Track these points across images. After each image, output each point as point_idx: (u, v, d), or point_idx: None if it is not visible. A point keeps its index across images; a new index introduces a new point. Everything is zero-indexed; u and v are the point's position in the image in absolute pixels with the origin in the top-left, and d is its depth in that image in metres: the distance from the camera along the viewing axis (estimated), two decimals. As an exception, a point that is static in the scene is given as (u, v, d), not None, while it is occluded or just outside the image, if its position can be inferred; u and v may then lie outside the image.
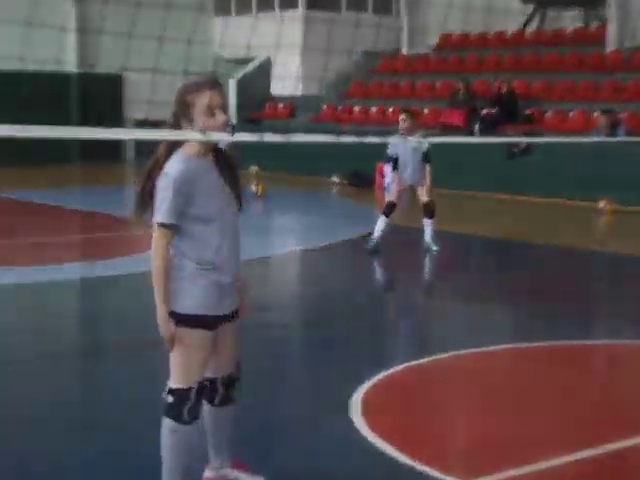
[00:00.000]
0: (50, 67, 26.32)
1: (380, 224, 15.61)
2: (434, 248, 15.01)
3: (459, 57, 28.95)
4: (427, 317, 12.37)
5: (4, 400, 8.44)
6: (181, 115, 5.98)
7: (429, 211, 15.38)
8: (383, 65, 30.87)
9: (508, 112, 24.63)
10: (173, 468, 6.10)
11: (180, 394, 5.96)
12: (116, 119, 28.72)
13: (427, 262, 15.34)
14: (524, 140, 21.82)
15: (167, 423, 5.97)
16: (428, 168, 15.52)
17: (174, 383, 5.95)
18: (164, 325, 5.85)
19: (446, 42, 30.27)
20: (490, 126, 24.20)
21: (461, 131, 24.02)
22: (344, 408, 7.87)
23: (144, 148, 31.72)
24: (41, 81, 27.10)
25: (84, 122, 26.85)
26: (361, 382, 8.30)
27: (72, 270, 14.33)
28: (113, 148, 30.96)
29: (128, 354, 10.20)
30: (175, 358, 5.96)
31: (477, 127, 24.44)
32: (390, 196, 15.96)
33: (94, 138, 6.93)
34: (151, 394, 6.73)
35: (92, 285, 13.70)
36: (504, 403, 8.32)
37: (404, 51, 31.29)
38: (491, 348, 10.09)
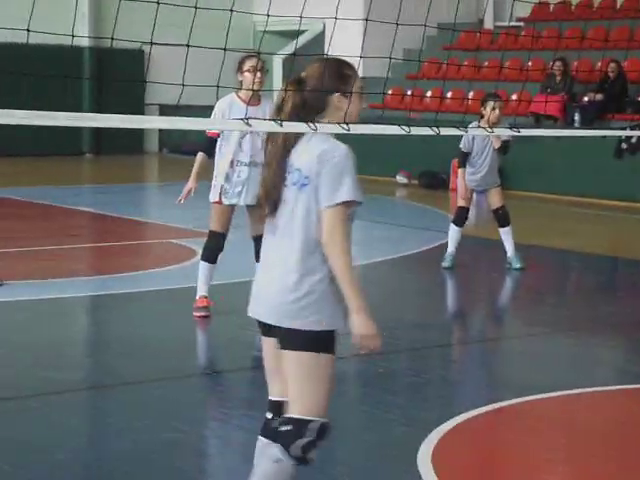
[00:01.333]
0: (59, 40, 26.67)
1: (452, 234, 15.96)
2: (518, 266, 14.93)
3: (556, 31, 28.71)
4: (508, 352, 12.40)
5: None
6: (339, 90, 5.91)
7: (503, 219, 15.45)
8: (462, 41, 30.78)
9: (617, 99, 24.50)
10: None
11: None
12: (137, 103, 29.02)
13: (508, 285, 15.24)
14: (637, 134, 21.78)
15: (284, 456, 6.17)
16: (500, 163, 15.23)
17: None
18: (368, 324, 5.76)
19: (540, 13, 30.21)
20: (594, 116, 24.12)
21: (558, 122, 24.01)
22: (412, 456, 7.94)
23: (171, 140, 32.50)
24: (46, 56, 27.31)
25: (99, 107, 27.25)
26: (430, 429, 8.26)
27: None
28: (136, 138, 31.30)
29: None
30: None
31: (577, 117, 24.40)
32: (459, 200, 16.11)
33: (111, 126, 7.02)
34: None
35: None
36: (602, 458, 8.21)
37: (488, 24, 31.36)
38: (587, 390, 10.06)
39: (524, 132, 11.52)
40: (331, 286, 5.84)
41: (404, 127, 6.20)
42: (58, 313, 13.63)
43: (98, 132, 28.06)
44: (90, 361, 12.13)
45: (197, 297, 12.37)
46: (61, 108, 5.70)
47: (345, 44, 28.92)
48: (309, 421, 5.90)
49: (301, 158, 5.81)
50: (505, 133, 13.37)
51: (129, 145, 30.23)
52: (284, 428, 5.90)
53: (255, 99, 11.71)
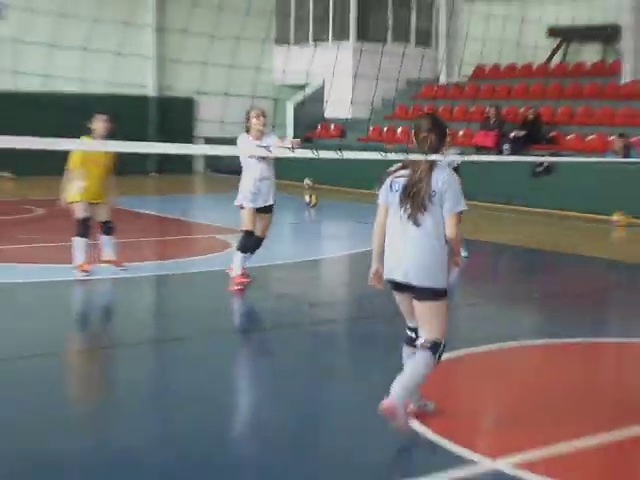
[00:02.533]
0: (133, 91, 26.44)
1: None
2: (464, 255, 14.78)
3: (491, 86, 28.88)
4: (461, 315, 12.27)
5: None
6: (442, 142, 6.86)
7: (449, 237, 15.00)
8: (424, 92, 30.87)
9: (534, 135, 24.60)
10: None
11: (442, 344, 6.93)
12: (188, 137, 28.85)
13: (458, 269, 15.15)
14: (548, 159, 21.65)
15: (431, 359, 6.85)
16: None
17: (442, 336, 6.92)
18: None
19: (479, 73, 30.24)
20: (518, 147, 24.13)
21: (492, 151, 23.93)
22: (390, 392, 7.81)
23: (212, 162, 31.99)
24: (124, 103, 27.21)
25: (161, 138, 27.06)
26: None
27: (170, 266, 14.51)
28: (186, 162, 31.19)
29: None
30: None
31: (506, 148, 24.37)
32: None
33: (171, 152, 6.88)
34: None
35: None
36: (537, 392, 8.18)
37: (442, 80, 31.24)
38: (509, 344, 9.89)
39: (468, 158, 11.98)
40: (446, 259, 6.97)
41: (382, 153, 6.37)
42: (141, 287, 13.33)
43: (161, 157, 27.79)
44: (154, 321, 11.96)
45: (235, 275, 12.02)
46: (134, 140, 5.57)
47: (338, 94, 28.71)
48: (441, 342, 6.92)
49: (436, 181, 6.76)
50: (455, 158, 13.31)
51: (182, 166, 30.06)
52: (428, 345, 6.84)
53: (260, 136, 11.65)
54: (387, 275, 6.98)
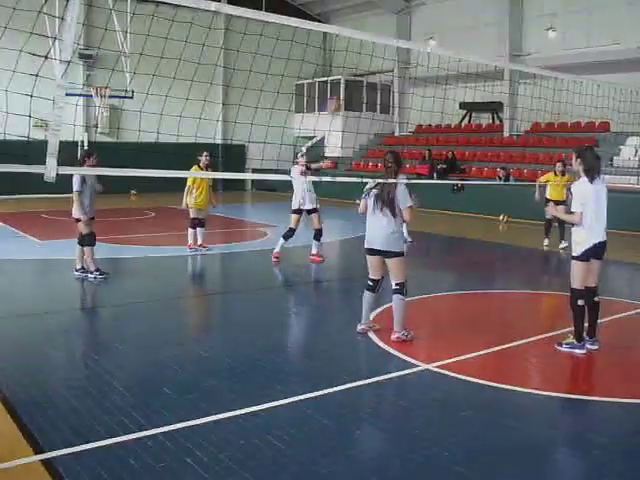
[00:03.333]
0: (209, 140, 26.42)
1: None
2: (409, 240, 14.76)
3: (426, 137, 28.76)
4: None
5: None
6: (397, 169, 7.23)
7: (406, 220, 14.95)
8: (385, 141, 30.71)
9: (451, 167, 24.56)
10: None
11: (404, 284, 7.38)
12: (242, 168, 28.83)
13: (405, 248, 15.06)
14: (460, 182, 21.57)
15: (402, 296, 7.28)
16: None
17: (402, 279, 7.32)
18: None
19: (419, 129, 30.08)
20: (442, 175, 24.07)
21: (427, 177, 23.86)
22: (355, 322, 7.83)
23: (257, 183, 31.57)
24: (203, 148, 27.18)
25: (226, 170, 27.11)
26: (371, 311, 8.15)
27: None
28: (241, 183, 31.14)
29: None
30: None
31: (435, 175, 24.30)
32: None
33: (232, 177, 6.80)
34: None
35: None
36: (455, 322, 8.19)
37: (396, 133, 31.13)
38: (447, 293, 10.02)
39: (412, 181, 11.84)
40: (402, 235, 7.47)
41: (361, 179, 6.46)
42: (216, 259, 13.07)
43: (226, 180, 27.62)
44: (224, 279, 12.04)
45: (274, 252, 12.20)
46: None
47: (333, 142, 28.07)
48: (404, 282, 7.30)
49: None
50: (404, 181, 13.16)
51: (239, 185, 29.89)
52: (397, 287, 7.30)
53: (302, 167, 11.68)
54: (367, 245, 7.39)
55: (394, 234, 7.27)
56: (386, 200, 7.19)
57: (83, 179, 10.14)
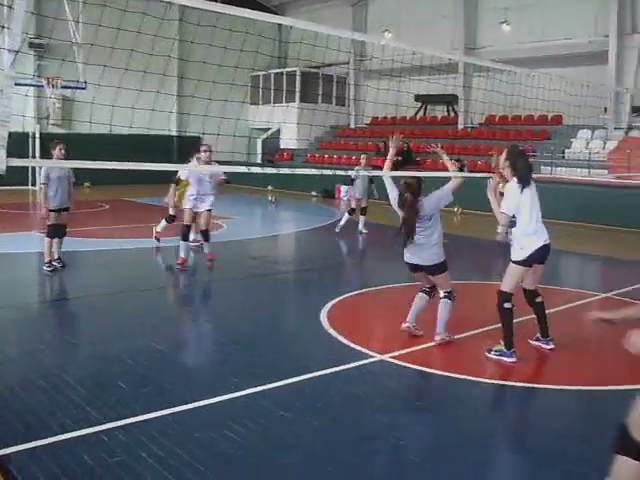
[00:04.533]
0: (163, 132, 26.13)
1: (344, 218, 15.16)
2: (364, 231, 14.84)
3: (381, 129, 28.87)
4: (361, 268, 12.31)
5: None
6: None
7: (364, 212, 15.02)
8: (340, 133, 30.85)
9: (407, 159, 24.70)
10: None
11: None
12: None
13: (360, 239, 15.11)
14: (417, 174, 21.68)
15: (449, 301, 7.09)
16: (372, 187, 14.64)
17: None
18: None
19: (374, 121, 30.21)
20: (398, 166, 24.24)
21: (381, 169, 23.98)
22: (318, 314, 7.88)
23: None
24: (156, 140, 26.84)
25: (181, 162, 26.90)
26: (327, 302, 8.25)
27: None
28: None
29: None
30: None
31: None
32: (352, 204, 15.18)
33: (186, 169, 6.77)
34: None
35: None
36: (406, 314, 8.21)
37: (351, 125, 31.22)
38: (401, 284, 9.80)
39: (372, 172, 12.09)
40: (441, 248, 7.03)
41: (316, 170, 6.40)
42: (169, 252, 12.04)
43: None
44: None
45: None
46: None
47: (288, 134, 28.13)
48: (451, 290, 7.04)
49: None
50: (367, 173, 13.47)
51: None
52: (445, 293, 7.02)
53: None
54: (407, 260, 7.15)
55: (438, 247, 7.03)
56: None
57: (49, 172, 10.03)
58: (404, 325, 7.13)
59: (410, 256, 7.04)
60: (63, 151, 10.04)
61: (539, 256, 6.56)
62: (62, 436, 4.62)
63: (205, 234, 11.07)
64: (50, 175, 10.11)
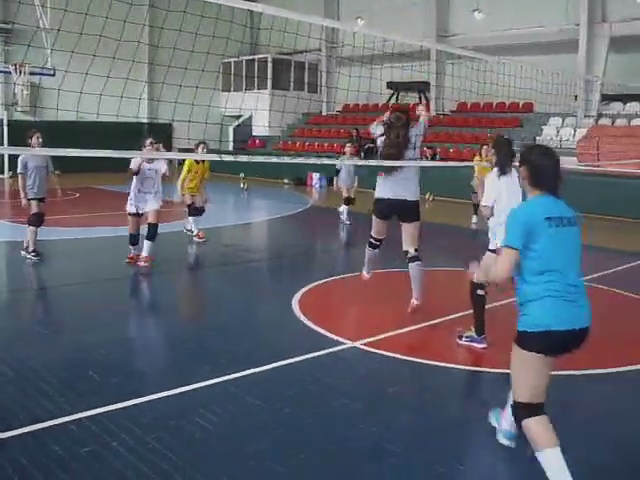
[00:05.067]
0: (133, 119, 25.84)
1: (342, 210, 14.84)
2: (347, 222, 14.74)
3: (353, 117, 28.90)
4: (333, 256, 12.30)
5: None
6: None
7: (348, 202, 14.83)
8: (313, 120, 30.84)
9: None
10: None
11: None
12: (169, 148, 28.43)
13: (340, 228, 15.00)
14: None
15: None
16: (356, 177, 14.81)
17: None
18: None
19: (346, 108, 30.25)
20: (369, 154, 24.26)
21: (355, 157, 24.00)
22: (289, 302, 7.86)
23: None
24: (126, 127, 26.53)
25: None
26: (298, 289, 8.25)
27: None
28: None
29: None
30: None
31: (362, 155, 24.45)
32: (343, 193, 14.82)
33: (156, 157, 6.74)
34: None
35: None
36: (381, 300, 8.20)
37: (324, 113, 31.21)
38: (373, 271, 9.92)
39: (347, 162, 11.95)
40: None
41: (288, 158, 6.36)
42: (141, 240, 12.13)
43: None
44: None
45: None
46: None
47: (260, 121, 27.96)
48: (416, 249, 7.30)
49: None
50: (353, 162, 13.51)
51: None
52: (414, 255, 7.29)
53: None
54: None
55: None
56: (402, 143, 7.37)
57: (27, 161, 9.94)
58: (415, 302, 7.49)
59: (398, 190, 7.30)
60: (40, 139, 9.89)
61: None
62: (31, 427, 4.57)
63: (152, 230, 10.01)
64: (28, 164, 9.99)
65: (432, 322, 7.29)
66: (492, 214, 6.30)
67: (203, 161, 12.33)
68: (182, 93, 10.14)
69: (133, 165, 9.77)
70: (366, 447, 4.51)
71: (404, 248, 7.51)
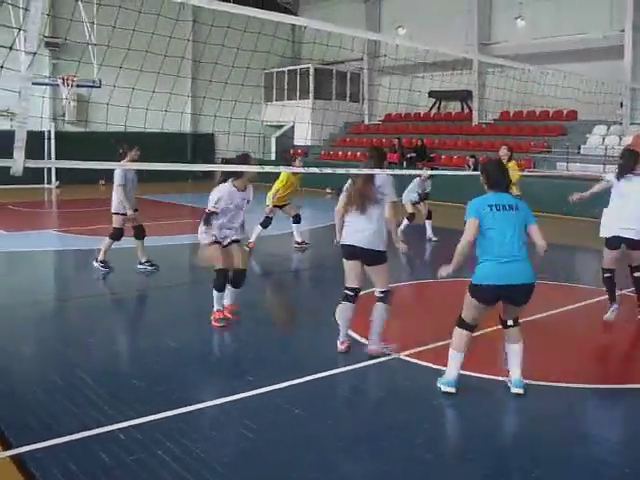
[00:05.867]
0: (177, 130, 26.19)
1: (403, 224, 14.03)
2: (434, 238, 14.30)
3: (395, 126, 28.87)
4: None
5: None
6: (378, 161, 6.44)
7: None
8: (354, 130, 30.84)
9: (421, 155, 24.64)
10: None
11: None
12: (211, 158, 28.75)
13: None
14: (429, 172, 21.61)
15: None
16: None
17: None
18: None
19: (388, 118, 30.22)
20: (412, 163, 24.17)
21: (397, 165, 23.95)
22: (333, 312, 7.74)
23: (224, 174, 31.33)
24: (171, 137, 26.85)
25: (194, 160, 27.04)
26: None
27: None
28: (209, 173, 31.07)
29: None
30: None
31: (405, 163, 24.41)
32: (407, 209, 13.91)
33: (201, 169, 6.77)
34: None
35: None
36: (424, 311, 8.18)
37: (365, 122, 31.20)
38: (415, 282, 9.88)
39: (387, 171, 11.72)
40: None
41: (331, 169, 6.33)
42: (183, 250, 12.34)
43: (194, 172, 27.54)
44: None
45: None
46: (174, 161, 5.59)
47: (301, 132, 28.25)
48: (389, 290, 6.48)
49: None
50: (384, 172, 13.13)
51: (208, 175, 29.83)
52: (382, 295, 6.43)
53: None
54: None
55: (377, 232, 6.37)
56: (365, 194, 6.32)
57: (125, 173, 9.95)
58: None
59: (356, 237, 6.37)
60: (139, 152, 9.97)
61: None
62: (79, 434, 4.63)
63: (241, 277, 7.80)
64: (127, 175, 10.00)
65: (478, 333, 7.19)
66: None
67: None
68: (224, 105, 10.28)
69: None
70: (408, 457, 4.47)
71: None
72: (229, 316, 7.58)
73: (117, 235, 10.33)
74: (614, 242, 7.78)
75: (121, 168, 9.83)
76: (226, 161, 7.73)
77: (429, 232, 14.21)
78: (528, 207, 5.47)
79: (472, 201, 5.45)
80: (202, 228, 7.54)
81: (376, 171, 6.31)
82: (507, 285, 5.21)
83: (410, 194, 14.00)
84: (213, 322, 7.42)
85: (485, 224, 5.30)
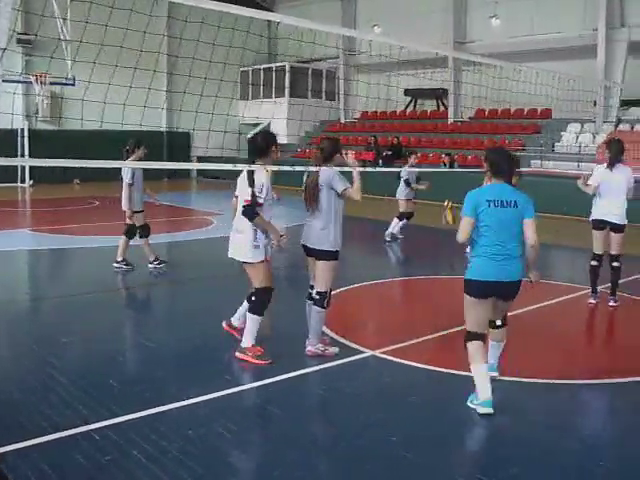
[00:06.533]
0: (153, 128, 25.97)
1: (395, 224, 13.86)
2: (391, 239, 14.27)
3: (371, 124, 28.90)
4: (352, 264, 12.23)
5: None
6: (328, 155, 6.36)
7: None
8: (330, 128, 30.76)
9: (396, 153, 24.65)
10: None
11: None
12: (187, 157, 28.57)
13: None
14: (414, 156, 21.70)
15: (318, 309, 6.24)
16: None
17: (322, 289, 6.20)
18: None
19: (364, 116, 30.25)
20: (387, 161, 24.20)
21: (372, 163, 23.98)
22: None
23: (201, 171, 31.27)
24: (147, 136, 26.73)
25: (170, 159, 26.85)
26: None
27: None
28: (185, 171, 30.88)
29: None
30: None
31: (380, 162, 24.42)
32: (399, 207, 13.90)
33: (175, 168, 6.72)
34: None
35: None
36: (399, 308, 8.21)
37: (342, 120, 31.18)
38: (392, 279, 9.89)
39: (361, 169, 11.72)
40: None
41: (305, 167, 6.30)
42: (160, 249, 12.19)
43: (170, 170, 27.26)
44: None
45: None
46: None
47: (279, 129, 28.26)
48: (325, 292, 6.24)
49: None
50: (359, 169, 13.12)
51: (183, 174, 29.64)
52: (317, 296, 6.25)
53: None
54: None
55: (323, 230, 6.19)
56: (311, 192, 6.24)
57: (134, 171, 9.78)
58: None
59: (305, 235, 6.35)
60: (147, 151, 9.86)
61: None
62: (53, 435, 4.57)
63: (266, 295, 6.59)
64: (135, 174, 9.83)
65: (451, 330, 7.13)
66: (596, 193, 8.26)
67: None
68: (201, 102, 10.19)
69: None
70: (385, 455, 4.46)
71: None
72: (234, 333, 6.63)
73: (129, 232, 10.22)
74: (599, 224, 8.55)
75: (130, 166, 9.65)
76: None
77: (390, 229, 13.87)
78: (529, 200, 5.22)
79: (470, 194, 5.27)
80: (242, 236, 6.24)
81: (336, 168, 6.26)
82: (496, 282, 5.17)
83: (402, 189, 13.91)
84: (254, 360, 6.08)
85: (481, 220, 5.18)
